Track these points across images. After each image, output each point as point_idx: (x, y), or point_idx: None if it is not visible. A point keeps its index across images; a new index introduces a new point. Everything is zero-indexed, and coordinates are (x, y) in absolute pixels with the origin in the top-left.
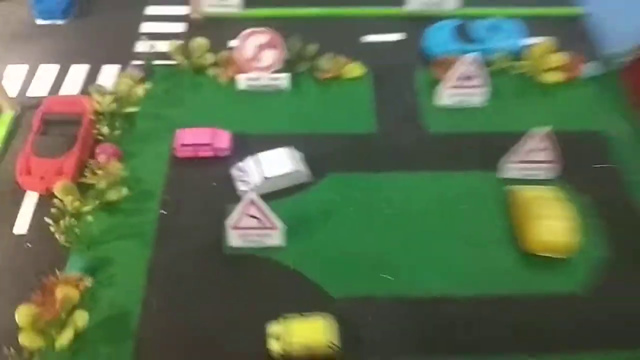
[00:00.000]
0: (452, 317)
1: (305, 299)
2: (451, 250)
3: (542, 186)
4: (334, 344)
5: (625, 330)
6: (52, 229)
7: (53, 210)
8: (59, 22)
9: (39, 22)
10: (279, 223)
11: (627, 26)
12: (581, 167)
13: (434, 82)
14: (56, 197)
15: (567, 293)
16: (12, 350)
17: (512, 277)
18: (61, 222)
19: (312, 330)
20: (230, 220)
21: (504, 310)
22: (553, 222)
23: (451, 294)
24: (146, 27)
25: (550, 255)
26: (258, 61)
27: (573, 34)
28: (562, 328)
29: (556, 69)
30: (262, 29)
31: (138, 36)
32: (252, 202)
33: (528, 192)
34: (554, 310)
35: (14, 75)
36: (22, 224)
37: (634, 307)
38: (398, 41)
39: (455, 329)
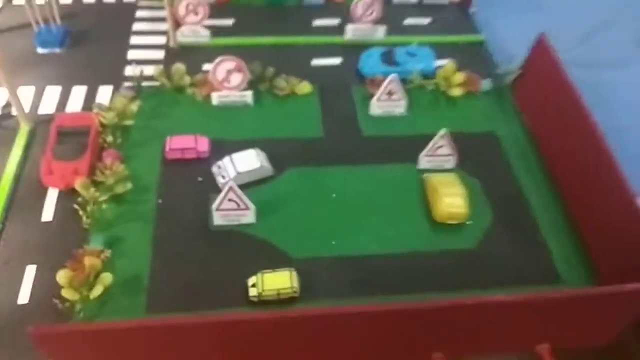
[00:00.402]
0: (379, 269)
1: (272, 260)
2: (379, 221)
3: (446, 173)
4: None
5: (506, 271)
6: (80, 213)
7: (79, 200)
8: (57, 50)
9: (40, 50)
10: (251, 205)
11: (514, 50)
12: (476, 159)
13: (367, 97)
14: (76, 191)
15: (464, 248)
16: (58, 301)
17: (424, 238)
18: (87, 208)
19: (280, 279)
20: (215, 204)
21: (418, 262)
22: (452, 198)
23: (378, 253)
24: (131, 54)
25: (450, 222)
26: (228, 82)
27: (473, 56)
28: (461, 273)
29: (460, 84)
30: (230, 57)
31: (126, 62)
32: (232, 189)
33: (435, 177)
34: (455, 261)
35: (25, 96)
36: (47, 213)
37: (511, 256)
38: (338, 64)
39: (382, 276)
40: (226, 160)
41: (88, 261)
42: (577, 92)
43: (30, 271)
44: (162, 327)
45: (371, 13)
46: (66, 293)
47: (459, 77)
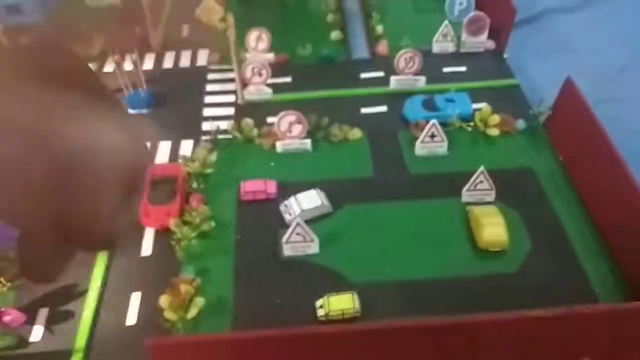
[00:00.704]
0: (429, 292)
1: (335, 284)
2: (428, 249)
3: (488, 205)
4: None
5: (546, 292)
6: (175, 248)
7: (174, 237)
8: (144, 111)
9: (130, 111)
10: (315, 238)
11: (546, 90)
12: (514, 192)
13: (412, 139)
14: (169, 230)
15: (506, 272)
16: (162, 321)
17: (469, 264)
18: (181, 243)
19: (344, 301)
20: (284, 238)
21: (464, 286)
22: (493, 228)
23: (428, 277)
24: (206, 111)
25: (493, 249)
26: (290, 132)
27: (508, 98)
28: (505, 295)
29: (496, 125)
30: (292, 111)
31: (202, 118)
32: (299, 224)
33: (477, 209)
34: (498, 284)
35: None
36: (146, 249)
37: (551, 280)
38: (384, 111)
39: (432, 299)
40: (292, 200)
41: (183, 288)
42: (604, 129)
43: (135, 297)
44: (258, 339)
45: (412, 65)
46: (168, 314)
47: (495, 118)
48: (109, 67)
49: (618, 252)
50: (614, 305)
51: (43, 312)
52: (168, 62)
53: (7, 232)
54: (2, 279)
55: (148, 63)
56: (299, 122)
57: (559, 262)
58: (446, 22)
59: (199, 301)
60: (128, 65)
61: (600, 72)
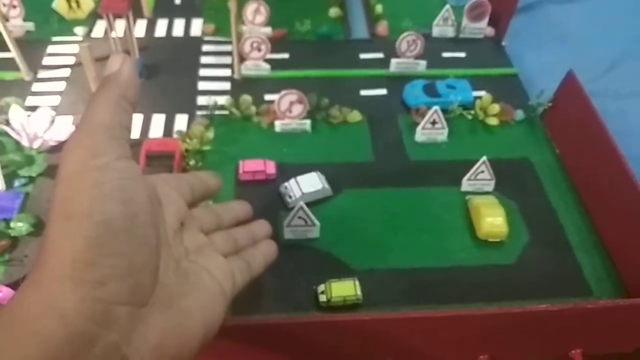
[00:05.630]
0: (427, 280)
1: (336, 271)
2: (427, 238)
3: (486, 195)
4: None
5: (542, 284)
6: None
7: None
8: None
9: None
10: (317, 222)
11: (543, 81)
12: (512, 182)
13: (412, 125)
14: None
15: (504, 263)
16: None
17: (468, 254)
18: None
19: (345, 287)
20: (286, 221)
21: (462, 275)
22: (493, 218)
23: (426, 266)
24: (201, 85)
25: (491, 240)
26: (290, 112)
27: (506, 87)
28: (502, 285)
29: (496, 114)
30: (293, 90)
31: (197, 92)
32: (302, 208)
33: (477, 199)
34: (496, 274)
35: None
36: None
37: (547, 271)
38: (384, 95)
39: (432, 287)
40: (292, 182)
41: None
42: (603, 122)
43: None
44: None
45: (414, 49)
46: None
47: (495, 107)
48: (97, 32)
49: (612, 247)
50: (615, 302)
51: None
52: (160, 30)
53: (10, 202)
54: None
55: (139, 30)
56: (300, 102)
57: (555, 254)
58: (447, 5)
59: None
60: (118, 32)
61: (595, 65)
